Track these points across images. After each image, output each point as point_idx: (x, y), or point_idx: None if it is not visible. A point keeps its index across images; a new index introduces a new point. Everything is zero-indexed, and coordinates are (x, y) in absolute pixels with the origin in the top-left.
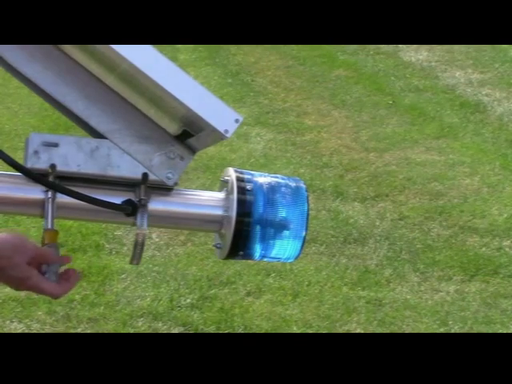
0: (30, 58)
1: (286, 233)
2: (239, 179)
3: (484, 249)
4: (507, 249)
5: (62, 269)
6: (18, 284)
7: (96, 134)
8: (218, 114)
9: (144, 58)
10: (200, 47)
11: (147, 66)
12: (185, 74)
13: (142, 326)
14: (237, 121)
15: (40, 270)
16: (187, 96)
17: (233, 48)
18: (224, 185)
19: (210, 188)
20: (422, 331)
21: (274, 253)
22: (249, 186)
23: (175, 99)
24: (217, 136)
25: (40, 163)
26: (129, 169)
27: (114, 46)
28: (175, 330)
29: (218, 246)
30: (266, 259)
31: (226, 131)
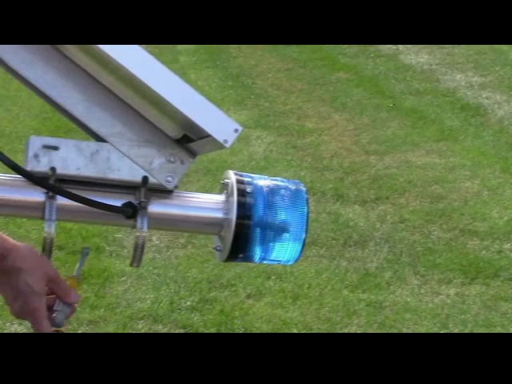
0: (31, 60)
1: (286, 235)
2: (239, 181)
3: (484, 252)
4: (507, 252)
5: None
6: (25, 301)
7: (97, 137)
8: (217, 124)
9: (142, 66)
10: (201, 49)
11: (146, 76)
12: (184, 84)
13: (142, 329)
14: (236, 131)
15: (51, 306)
16: (186, 106)
17: (233, 51)
18: (224, 187)
19: (210, 190)
20: None
21: (274, 255)
22: (249, 189)
23: (175, 109)
24: (216, 145)
25: (40, 166)
26: (129, 172)
27: (112, 54)
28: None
29: (218, 248)
30: (266, 262)
31: (226, 141)
